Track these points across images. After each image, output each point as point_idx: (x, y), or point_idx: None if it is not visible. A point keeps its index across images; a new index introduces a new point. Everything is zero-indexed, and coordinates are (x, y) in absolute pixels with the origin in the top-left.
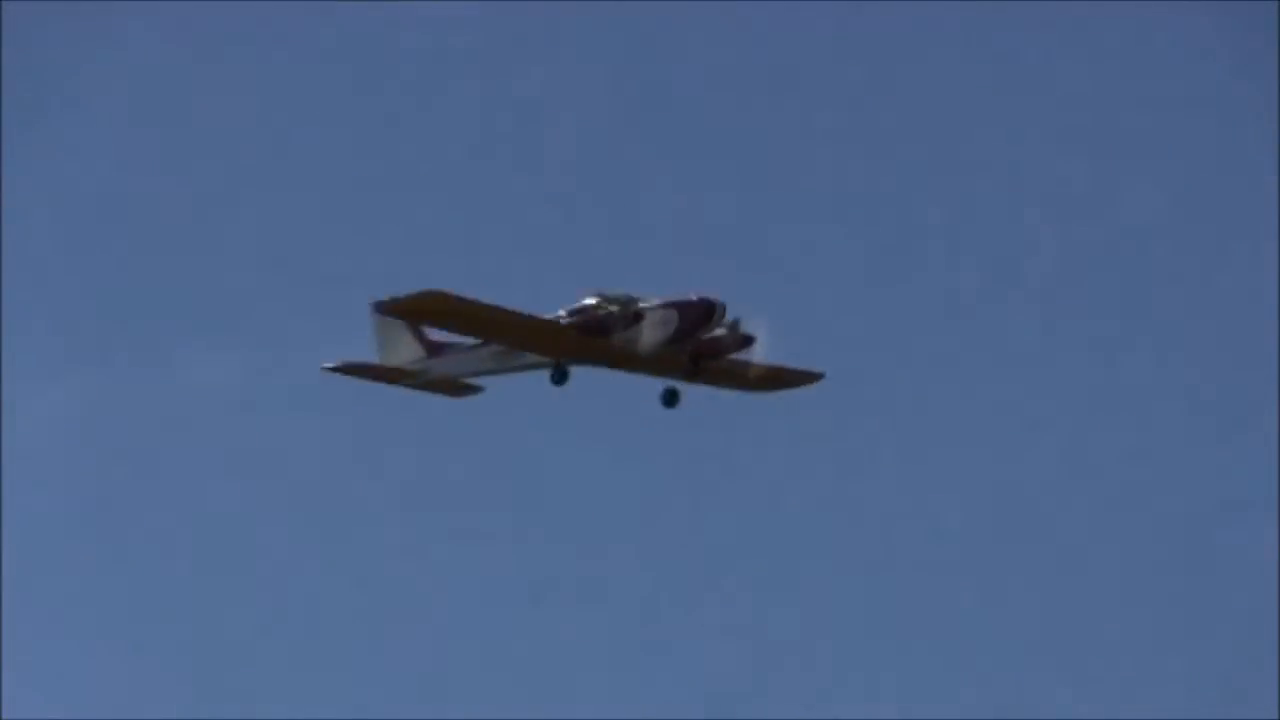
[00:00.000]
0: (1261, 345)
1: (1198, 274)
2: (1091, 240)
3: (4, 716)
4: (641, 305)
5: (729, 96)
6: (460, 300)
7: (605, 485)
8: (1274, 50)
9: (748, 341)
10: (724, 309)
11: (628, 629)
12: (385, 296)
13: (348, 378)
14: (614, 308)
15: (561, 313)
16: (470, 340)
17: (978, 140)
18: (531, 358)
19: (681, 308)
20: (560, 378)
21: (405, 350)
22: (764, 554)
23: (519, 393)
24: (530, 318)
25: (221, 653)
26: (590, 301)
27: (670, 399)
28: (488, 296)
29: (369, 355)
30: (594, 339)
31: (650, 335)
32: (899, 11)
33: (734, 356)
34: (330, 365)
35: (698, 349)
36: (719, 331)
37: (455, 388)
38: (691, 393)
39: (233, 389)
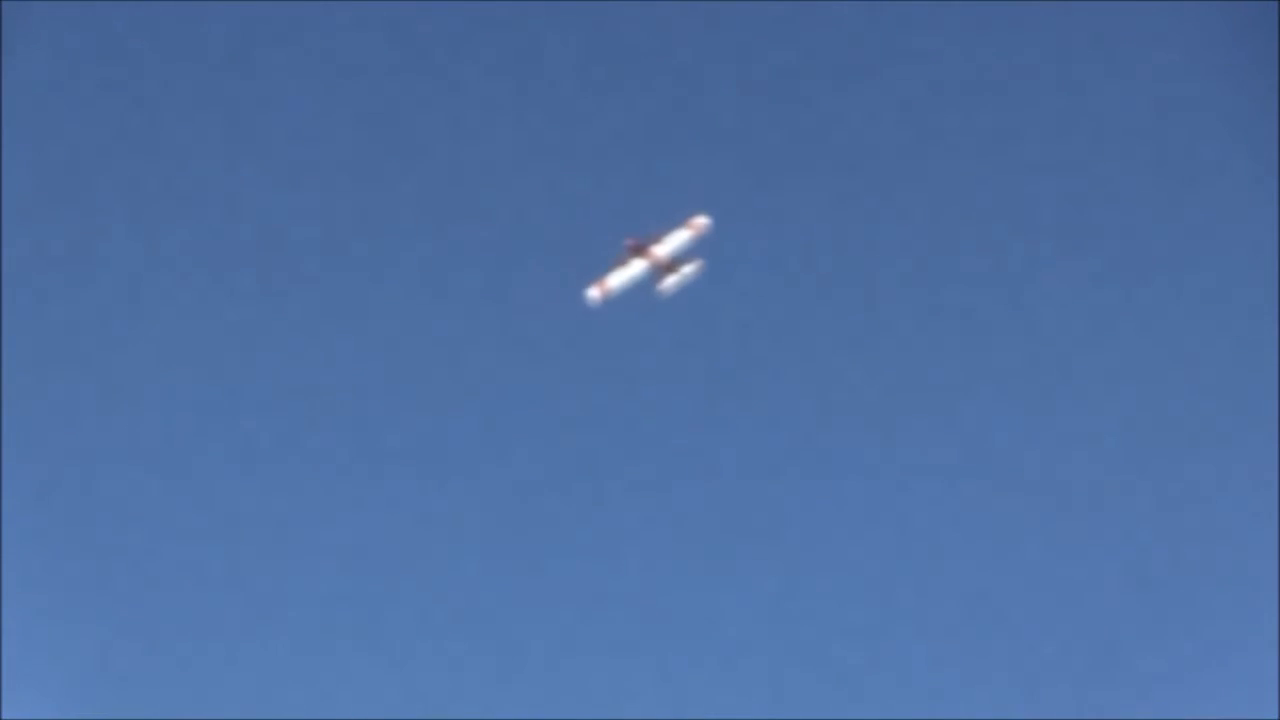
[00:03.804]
0: (1261, 346)
1: (1197, 274)
2: (1088, 239)
3: (4, 717)
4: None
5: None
6: None
7: None
8: (1274, 50)
9: None
10: None
11: None
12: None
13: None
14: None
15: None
16: None
17: (975, 139)
18: None
19: None
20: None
21: None
22: None
23: None
24: None
25: None
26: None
27: None
28: None
29: None
30: None
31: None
32: (894, 11)
33: None
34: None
35: None
36: None
37: None
38: None
39: None
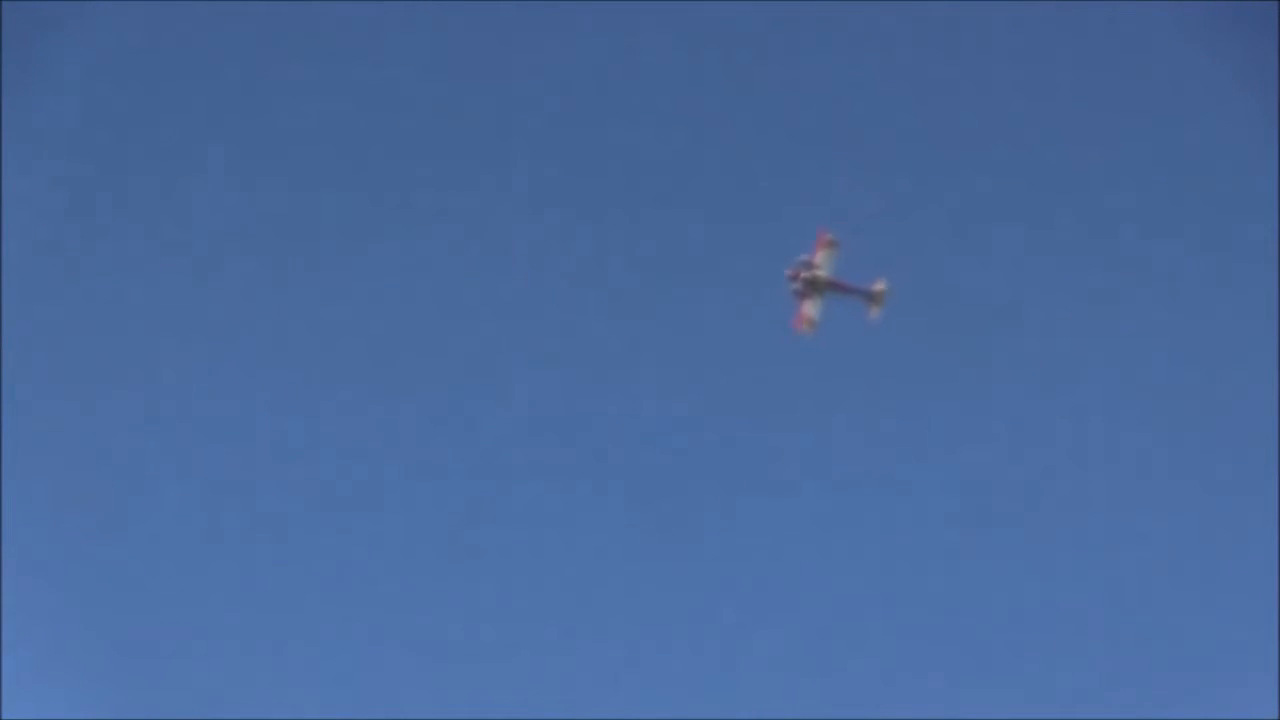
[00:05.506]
0: (1261, 345)
1: (1197, 274)
2: (1088, 242)
3: (4, 717)
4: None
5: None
6: None
7: None
8: (1274, 50)
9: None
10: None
11: None
12: None
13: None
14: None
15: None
16: None
17: (975, 140)
18: None
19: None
20: None
21: None
22: None
23: None
24: None
25: None
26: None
27: None
28: None
29: None
30: None
31: None
32: (895, 12)
33: None
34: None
35: None
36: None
37: None
38: None
39: None
